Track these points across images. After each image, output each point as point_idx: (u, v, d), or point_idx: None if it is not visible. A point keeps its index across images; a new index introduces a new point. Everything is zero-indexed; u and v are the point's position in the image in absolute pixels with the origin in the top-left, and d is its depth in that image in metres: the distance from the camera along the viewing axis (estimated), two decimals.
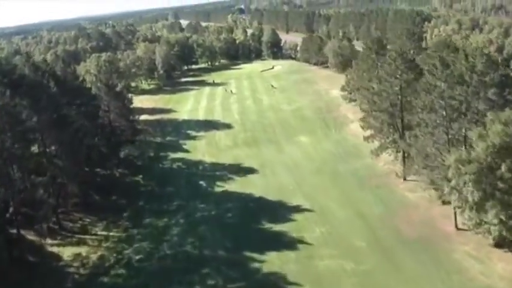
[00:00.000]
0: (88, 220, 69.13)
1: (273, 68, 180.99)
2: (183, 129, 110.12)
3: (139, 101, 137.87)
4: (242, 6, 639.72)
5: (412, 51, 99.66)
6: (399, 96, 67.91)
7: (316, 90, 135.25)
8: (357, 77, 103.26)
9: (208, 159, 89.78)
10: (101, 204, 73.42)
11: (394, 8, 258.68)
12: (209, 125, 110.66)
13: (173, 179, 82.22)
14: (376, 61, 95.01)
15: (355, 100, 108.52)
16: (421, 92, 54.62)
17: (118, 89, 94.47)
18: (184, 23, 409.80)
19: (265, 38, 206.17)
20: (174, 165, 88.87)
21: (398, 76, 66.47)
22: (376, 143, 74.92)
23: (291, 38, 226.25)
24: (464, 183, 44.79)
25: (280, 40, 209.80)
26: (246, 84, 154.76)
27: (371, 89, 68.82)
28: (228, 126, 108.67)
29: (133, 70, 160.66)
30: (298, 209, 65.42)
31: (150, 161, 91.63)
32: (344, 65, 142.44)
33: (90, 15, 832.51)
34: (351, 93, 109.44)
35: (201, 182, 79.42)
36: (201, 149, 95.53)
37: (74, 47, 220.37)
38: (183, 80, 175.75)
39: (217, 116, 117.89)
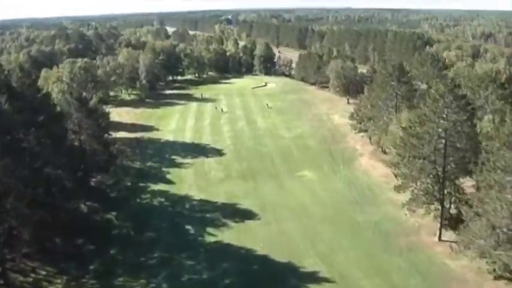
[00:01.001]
0: (44, 273, 54.26)
1: (265, 85, 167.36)
2: (167, 153, 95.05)
3: (117, 114, 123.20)
4: (229, 17, 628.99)
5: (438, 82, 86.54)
6: (443, 141, 54.26)
7: (317, 114, 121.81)
8: (371, 106, 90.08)
9: (196, 194, 75.00)
10: (63, 251, 58.06)
11: (394, 29, 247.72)
12: (197, 150, 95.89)
13: (154, 219, 67.15)
14: (396, 89, 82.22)
15: (365, 131, 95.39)
16: (502, 147, 40.71)
17: (92, 103, 79.19)
18: (170, 30, 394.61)
19: (258, 52, 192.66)
20: (156, 201, 73.67)
21: (445, 116, 52.77)
22: (403, 192, 60.60)
23: (283, 53, 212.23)
24: None
25: (274, 55, 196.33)
26: (237, 102, 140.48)
27: (409, 129, 54.68)
28: (219, 152, 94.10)
29: (113, 78, 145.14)
30: (313, 277, 51.47)
31: (127, 193, 76.25)
32: (347, 87, 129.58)
33: (74, 15, 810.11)
34: (360, 123, 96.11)
35: (189, 227, 64.63)
36: (188, 181, 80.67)
37: (50, 47, 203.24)
38: (168, 92, 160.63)
39: (207, 139, 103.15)
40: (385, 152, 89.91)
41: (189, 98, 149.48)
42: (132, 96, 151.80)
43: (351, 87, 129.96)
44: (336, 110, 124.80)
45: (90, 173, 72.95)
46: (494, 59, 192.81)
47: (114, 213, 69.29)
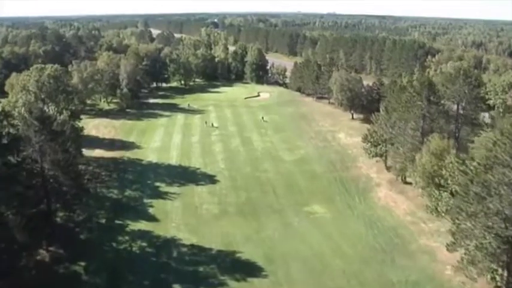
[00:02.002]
0: None
1: (258, 95, 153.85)
2: (150, 178, 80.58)
3: (94, 127, 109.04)
4: (215, 20, 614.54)
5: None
6: None
7: (319, 132, 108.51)
8: (390, 127, 76.96)
9: (185, 236, 60.98)
10: None
11: (392, 37, 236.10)
12: (185, 176, 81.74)
13: (133, 273, 53.07)
14: (424, 110, 69.22)
15: (380, 155, 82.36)
16: None
17: (60, 120, 64.64)
18: (155, 32, 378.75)
19: (249, 59, 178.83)
20: (136, 246, 59.30)
21: None
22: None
23: (273, 60, 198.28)
24: None
25: (267, 62, 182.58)
26: (229, 114, 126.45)
27: (473, 174, 41.35)
28: (211, 179, 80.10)
29: (90, 85, 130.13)
30: None
31: (100, 235, 61.74)
32: (351, 102, 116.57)
33: (57, 15, 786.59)
34: (376, 146, 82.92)
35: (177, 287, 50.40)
36: (175, 217, 66.56)
37: (24, 48, 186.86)
38: (151, 101, 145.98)
39: (196, 161, 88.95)
40: (406, 182, 77.09)
41: (175, 108, 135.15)
42: (112, 105, 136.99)
43: (356, 101, 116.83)
44: (340, 127, 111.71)
45: (53, 211, 58.32)
46: (498, 71, 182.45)
47: (83, 264, 54.93)
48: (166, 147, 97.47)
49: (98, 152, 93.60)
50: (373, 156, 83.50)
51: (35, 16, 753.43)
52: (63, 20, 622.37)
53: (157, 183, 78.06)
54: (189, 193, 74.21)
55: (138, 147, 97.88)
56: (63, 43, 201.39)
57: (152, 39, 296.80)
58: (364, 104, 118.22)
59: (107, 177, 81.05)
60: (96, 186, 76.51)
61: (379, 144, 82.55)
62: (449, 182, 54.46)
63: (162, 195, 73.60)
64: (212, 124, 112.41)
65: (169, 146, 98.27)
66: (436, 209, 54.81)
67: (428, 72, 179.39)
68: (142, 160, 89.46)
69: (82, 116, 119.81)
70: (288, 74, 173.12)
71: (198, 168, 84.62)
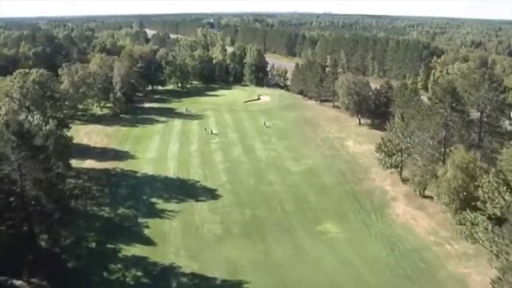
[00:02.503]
0: None
1: (259, 98, 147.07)
2: (145, 193, 73.71)
3: (86, 134, 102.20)
4: (211, 20, 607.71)
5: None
6: None
7: (326, 138, 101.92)
8: (408, 137, 70.52)
9: (186, 263, 54.37)
10: None
11: (395, 37, 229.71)
12: (184, 190, 74.92)
13: None
14: (447, 119, 62.73)
15: (396, 166, 75.82)
16: None
17: (44, 133, 57.79)
18: (150, 32, 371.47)
19: (248, 60, 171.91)
20: (129, 276, 52.56)
21: None
22: None
23: (272, 61, 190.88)
24: None
25: (267, 64, 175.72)
26: (228, 119, 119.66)
27: None
28: (212, 194, 73.33)
29: (82, 89, 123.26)
30: None
31: (89, 262, 54.91)
32: (359, 106, 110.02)
33: (52, 15, 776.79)
34: (390, 156, 76.32)
35: None
36: (174, 240, 59.83)
37: (14, 50, 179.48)
38: (147, 105, 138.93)
39: (195, 172, 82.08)
40: (424, 196, 70.60)
41: (172, 113, 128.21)
42: (105, 110, 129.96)
43: (364, 106, 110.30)
44: (347, 134, 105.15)
45: (37, 234, 51.56)
46: (504, 72, 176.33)
47: None
48: (162, 157, 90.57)
49: (89, 163, 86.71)
50: (387, 168, 76.78)
51: (30, 17, 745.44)
52: (58, 20, 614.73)
53: (154, 199, 71.20)
54: (188, 210, 67.43)
55: (133, 157, 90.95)
56: (55, 44, 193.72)
57: (147, 40, 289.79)
58: (371, 109, 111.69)
59: (98, 192, 74.17)
60: (86, 203, 69.72)
61: (394, 154, 75.99)
62: (487, 204, 47.76)
63: (158, 214, 66.76)
64: (211, 131, 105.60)
65: (166, 155, 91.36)
66: (472, 235, 48.07)
67: (434, 74, 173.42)
68: (137, 172, 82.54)
69: (73, 122, 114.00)
70: (289, 75, 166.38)
71: (198, 181, 77.76)
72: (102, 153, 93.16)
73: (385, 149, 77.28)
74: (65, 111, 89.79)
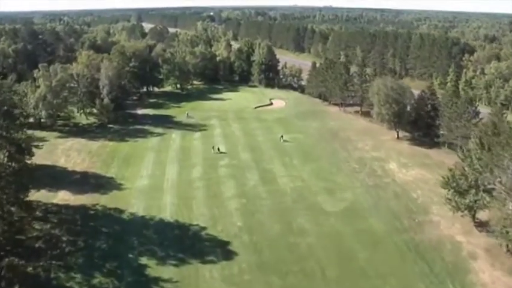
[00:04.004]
0: None
1: (271, 103, 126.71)
2: (132, 248, 53.68)
3: (64, 152, 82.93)
4: (212, 14, 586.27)
5: None
6: None
7: (362, 159, 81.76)
8: (489, 170, 50.40)
9: None
10: None
11: (420, 32, 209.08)
12: (185, 243, 54.85)
13: None
14: None
15: (471, 208, 55.82)
16: None
17: None
18: (148, 26, 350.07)
19: (257, 57, 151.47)
20: None
21: None
22: None
23: (279, 57, 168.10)
24: None
25: (278, 62, 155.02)
26: (238, 131, 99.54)
27: None
28: (224, 250, 53.26)
29: (63, 95, 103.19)
30: None
31: None
32: (398, 117, 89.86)
33: (48, 9, 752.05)
34: (464, 195, 56.25)
35: None
36: None
37: None
38: (140, 112, 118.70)
39: (200, 213, 61.89)
40: None
41: (169, 122, 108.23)
42: (92, 118, 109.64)
43: (405, 117, 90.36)
44: (386, 152, 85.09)
45: None
46: None
47: None
48: (157, 186, 70.34)
49: (62, 196, 66.87)
50: (460, 211, 56.60)
51: (26, 11, 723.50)
52: (54, 14, 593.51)
53: (143, 259, 51.11)
54: (192, 281, 47.43)
55: (119, 186, 70.83)
56: (41, 40, 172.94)
57: (144, 35, 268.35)
58: (412, 119, 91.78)
59: (68, 245, 53.96)
60: (51, 266, 49.40)
61: (467, 192, 55.93)
62: None
63: (149, 285, 46.45)
64: (218, 149, 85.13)
65: (162, 184, 71.13)
66: None
67: (466, 73, 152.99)
68: (123, 212, 62.34)
69: (51, 135, 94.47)
70: (303, 75, 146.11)
71: (204, 228, 57.53)
72: (81, 181, 73.07)
73: (455, 185, 57.08)
74: (27, 135, 68.29)
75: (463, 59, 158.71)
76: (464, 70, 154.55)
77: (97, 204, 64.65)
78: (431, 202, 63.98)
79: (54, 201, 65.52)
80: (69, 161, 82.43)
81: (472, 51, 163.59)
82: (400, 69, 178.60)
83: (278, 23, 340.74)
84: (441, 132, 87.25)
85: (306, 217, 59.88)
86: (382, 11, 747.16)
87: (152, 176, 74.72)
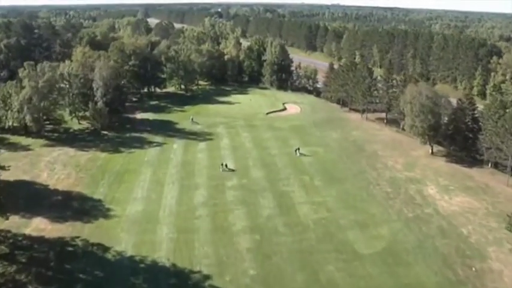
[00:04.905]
0: None
1: (285, 108, 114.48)
2: None
3: (48, 165, 72.03)
4: (219, 10, 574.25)
5: None
6: None
7: (394, 181, 69.52)
8: None
9: None
10: None
11: (442, 32, 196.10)
12: None
13: None
14: None
15: None
16: None
17: None
18: (154, 22, 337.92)
19: (269, 57, 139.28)
20: None
21: None
22: None
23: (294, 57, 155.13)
24: None
25: (291, 62, 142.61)
26: (248, 142, 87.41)
27: None
28: None
29: (52, 97, 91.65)
30: None
31: None
32: (434, 130, 77.41)
33: (55, 3, 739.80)
34: None
35: None
36: None
37: None
38: (139, 116, 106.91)
39: (203, 255, 50.13)
40: None
41: (171, 129, 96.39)
42: (85, 123, 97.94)
43: (442, 131, 78.05)
44: (422, 172, 72.80)
45: None
46: None
47: None
48: (152, 214, 58.34)
49: (36, 225, 55.33)
50: None
51: (33, 5, 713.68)
52: (61, 9, 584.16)
53: None
54: None
55: (107, 213, 58.96)
56: (36, 35, 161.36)
57: (149, 30, 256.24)
58: (450, 134, 79.42)
59: None
60: None
61: None
62: None
63: None
64: (226, 165, 72.92)
65: (157, 212, 59.16)
66: None
67: (494, 77, 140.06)
68: (108, 249, 50.50)
69: (37, 143, 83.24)
70: (319, 77, 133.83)
71: (208, 277, 45.58)
72: (63, 204, 61.40)
73: None
74: None
75: (491, 61, 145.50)
76: (493, 74, 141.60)
77: (78, 237, 52.93)
78: (486, 242, 51.82)
79: (27, 231, 53.90)
80: (52, 176, 70.66)
81: (499, 53, 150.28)
82: (420, 70, 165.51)
83: (289, 20, 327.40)
84: (483, 146, 74.84)
85: (335, 263, 47.69)
86: (391, 9, 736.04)
87: (147, 199, 62.73)
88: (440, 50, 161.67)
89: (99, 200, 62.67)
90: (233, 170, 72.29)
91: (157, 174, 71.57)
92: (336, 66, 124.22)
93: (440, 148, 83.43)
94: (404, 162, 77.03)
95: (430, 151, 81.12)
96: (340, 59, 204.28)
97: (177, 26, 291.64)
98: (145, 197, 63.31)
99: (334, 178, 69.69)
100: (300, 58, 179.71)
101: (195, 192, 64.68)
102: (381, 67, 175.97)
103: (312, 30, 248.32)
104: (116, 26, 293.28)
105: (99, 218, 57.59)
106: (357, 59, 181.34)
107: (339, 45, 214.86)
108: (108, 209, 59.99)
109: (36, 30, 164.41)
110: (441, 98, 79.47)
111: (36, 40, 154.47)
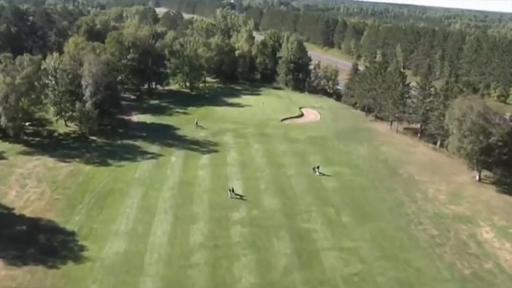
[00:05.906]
0: None
1: (302, 114, 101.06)
2: None
3: (19, 180, 59.48)
4: (232, 1, 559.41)
5: None
6: None
7: (439, 217, 56.23)
8: None
9: None
10: None
11: (473, 31, 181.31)
12: None
13: None
14: None
15: None
16: None
17: None
18: (162, 11, 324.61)
19: (285, 54, 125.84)
20: None
21: None
22: None
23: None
24: None
25: (309, 60, 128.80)
26: (260, 158, 74.14)
27: None
28: None
29: (33, 96, 78.88)
30: None
31: None
32: (485, 153, 63.66)
33: None
34: None
35: None
36: None
37: None
38: (135, 118, 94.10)
39: None
40: None
41: (170, 136, 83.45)
42: (72, 126, 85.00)
43: (494, 154, 64.24)
44: (470, 205, 59.44)
45: None
46: None
47: None
48: (134, 261, 45.30)
49: None
50: None
51: None
52: None
53: None
54: None
55: (78, 254, 46.14)
56: (29, 22, 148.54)
57: (157, 20, 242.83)
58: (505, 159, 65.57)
59: None
60: None
61: None
62: None
63: None
64: (232, 189, 59.65)
65: (143, 255, 46.17)
66: None
67: None
68: None
69: (13, 150, 70.99)
70: (339, 78, 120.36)
71: None
72: (27, 237, 48.97)
73: None
74: None
75: None
76: None
77: None
78: None
79: None
80: (22, 196, 57.97)
81: None
82: (449, 74, 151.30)
83: (304, 13, 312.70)
84: None
85: None
86: (407, 6, 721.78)
87: (132, 233, 49.78)
88: (473, 53, 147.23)
89: (72, 233, 49.90)
90: (241, 197, 58.98)
91: (148, 197, 58.52)
92: (361, 68, 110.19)
93: (488, 173, 69.70)
94: (448, 191, 63.47)
95: (478, 177, 67.38)
96: (359, 57, 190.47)
97: (187, 16, 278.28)
98: (130, 231, 50.33)
99: (366, 213, 56.22)
100: (317, 55, 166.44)
101: (193, 227, 51.61)
102: (404, 68, 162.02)
103: (330, 25, 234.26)
104: (124, 15, 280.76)
105: (68, 262, 44.80)
106: (378, 58, 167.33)
107: (358, 43, 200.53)
108: (82, 248, 47.16)
109: (30, 17, 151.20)
110: (495, 114, 65.42)
111: (30, 28, 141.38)
